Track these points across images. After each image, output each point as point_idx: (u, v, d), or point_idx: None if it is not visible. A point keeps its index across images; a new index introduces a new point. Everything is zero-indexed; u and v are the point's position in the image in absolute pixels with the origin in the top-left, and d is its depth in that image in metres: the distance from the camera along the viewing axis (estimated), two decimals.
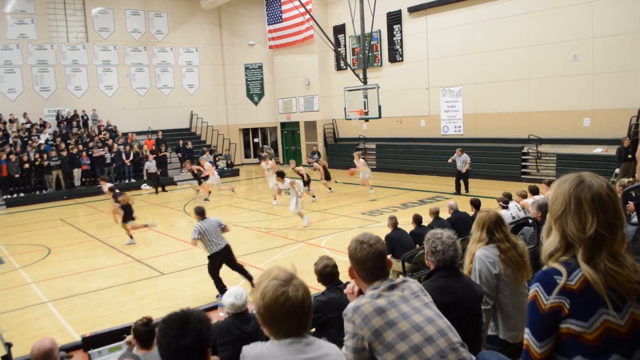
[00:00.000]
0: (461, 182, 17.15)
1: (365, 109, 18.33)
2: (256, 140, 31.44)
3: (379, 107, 17.90)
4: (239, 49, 29.97)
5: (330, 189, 19.22)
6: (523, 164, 19.27)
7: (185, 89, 29.05)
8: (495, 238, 3.73)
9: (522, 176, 18.74)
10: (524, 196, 9.44)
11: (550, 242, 1.91)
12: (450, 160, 17.43)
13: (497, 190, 13.92)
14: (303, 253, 11.07)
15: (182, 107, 28.59)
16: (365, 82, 18.88)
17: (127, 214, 12.91)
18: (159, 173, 22.34)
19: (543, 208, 6.16)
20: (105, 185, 14.54)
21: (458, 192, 16.90)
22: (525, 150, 19.25)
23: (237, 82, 30.26)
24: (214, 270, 8.49)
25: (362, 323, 2.38)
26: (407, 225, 9.07)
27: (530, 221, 6.89)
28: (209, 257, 8.51)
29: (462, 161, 16.89)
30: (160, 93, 28.18)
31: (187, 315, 2.09)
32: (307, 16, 21.37)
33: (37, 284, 10.23)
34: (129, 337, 4.38)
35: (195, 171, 20.35)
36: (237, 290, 4.51)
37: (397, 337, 2.37)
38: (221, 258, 8.51)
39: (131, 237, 13.01)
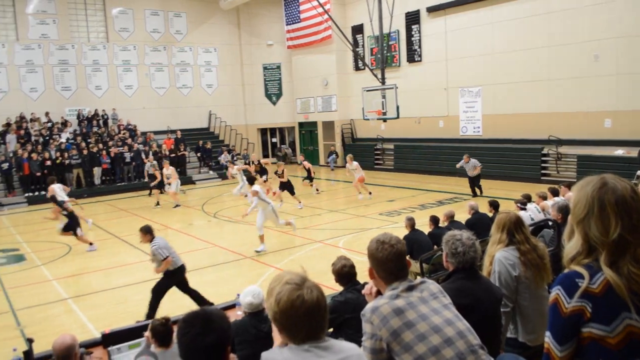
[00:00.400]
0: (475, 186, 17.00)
1: (383, 109, 18.28)
2: (274, 140, 31.54)
3: (397, 108, 17.84)
4: (258, 49, 30.09)
5: (317, 190, 19.42)
6: (543, 165, 19.07)
7: (204, 89, 29.23)
8: (516, 240, 3.69)
9: (542, 178, 18.55)
10: (544, 198, 9.34)
11: (572, 245, 1.88)
12: (458, 166, 17.18)
13: (516, 191, 13.81)
14: (320, 253, 11.08)
15: (200, 106, 28.77)
16: (383, 82, 18.83)
17: (70, 223, 12.60)
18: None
19: (563, 210, 6.09)
20: (50, 190, 14.45)
21: (475, 195, 16.72)
22: (545, 151, 19.05)
23: (255, 82, 30.38)
24: (161, 292, 7.75)
25: (381, 324, 2.38)
26: (424, 227, 9.03)
27: (550, 223, 6.81)
28: (167, 275, 7.81)
29: (471, 167, 16.64)
30: (179, 93, 28.41)
31: (208, 314, 2.10)
32: (326, 16, 21.38)
33: (58, 281, 10.37)
34: (147, 335, 4.41)
35: (160, 178, 19.30)
36: (254, 289, 4.52)
37: (416, 338, 2.36)
38: (179, 277, 7.91)
39: (91, 243, 12.72)
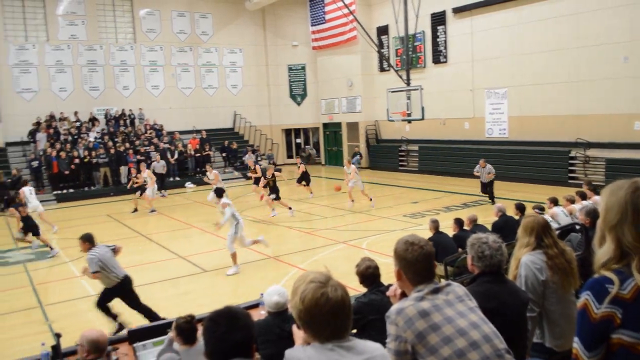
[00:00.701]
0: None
1: (408, 110, 18.19)
2: (298, 140, 31.62)
3: (422, 109, 17.74)
4: (283, 49, 30.20)
5: (311, 193, 19.00)
6: (570, 168, 18.77)
7: (229, 89, 29.46)
8: (544, 244, 3.64)
9: (570, 181, 18.25)
10: (572, 201, 9.20)
11: (603, 251, 1.85)
12: (475, 172, 16.52)
13: (542, 195, 13.62)
14: (344, 254, 11.07)
15: (225, 107, 28.99)
16: (408, 84, 18.74)
17: (27, 226, 12.66)
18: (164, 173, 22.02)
19: (592, 214, 5.99)
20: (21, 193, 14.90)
21: (493, 201, 16.00)
22: (572, 154, 18.75)
23: (280, 82, 30.51)
24: (104, 302, 7.45)
25: (406, 326, 2.37)
26: (448, 229, 8.96)
27: (577, 227, 6.71)
28: (109, 290, 7.42)
29: (486, 172, 16.00)
30: (204, 93, 28.67)
31: (234, 312, 2.13)
32: (351, 17, 21.36)
33: (85, 278, 10.52)
34: (171, 333, 4.46)
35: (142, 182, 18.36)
36: (279, 289, 4.54)
37: (441, 341, 2.34)
38: (121, 290, 7.45)
39: (51, 248, 12.74)
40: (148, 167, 19.54)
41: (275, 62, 30.36)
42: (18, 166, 21.80)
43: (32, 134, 23.47)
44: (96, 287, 9.78)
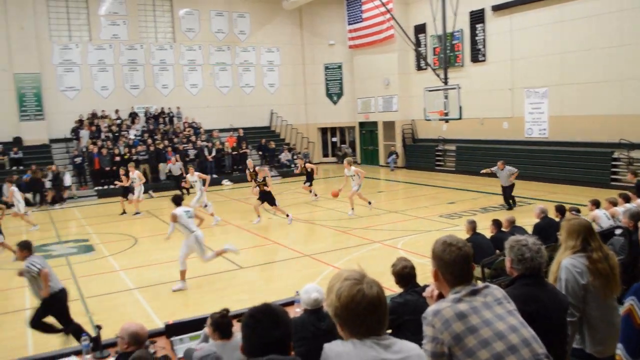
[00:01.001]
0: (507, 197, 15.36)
1: (445, 109, 18.01)
2: (334, 139, 31.63)
3: (460, 108, 17.54)
4: (319, 48, 30.26)
5: (315, 195, 18.31)
6: (613, 170, 18.26)
7: (266, 88, 29.68)
8: (590, 247, 3.55)
9: (612, 183, 17.75)
10: (614, 204, 8.96)
11: None
12: (487, 171, 15.73)
13: (583, 197, 13.31)
14: (379, 254, 11.03)
15: (262, 105, 29.22)
16: (446, 83, 18.55)
17: None
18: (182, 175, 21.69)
19: (635, 217, 5.83)
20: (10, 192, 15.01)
21: (509, 206, 15.03)
22: (615, 155, 18.24)
23: (316, 81, 30.57)
24: (40, 318, 6.94)
25: (443, 327, 2.35)
26: (485, 230, 8.84)
27: (620, 231, 6.53)
28: (44, 302, 6.88)
29: (505, 175, 14.87)
30: (242, 92, 28.97)
31: (274, 309, 2.15)
32: (388, 16, 21.27)
33: (125, 272, 10.79)
34: (207, 328, 4.51)
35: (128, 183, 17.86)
36: (317, 286, 4.56)
37: (479, 344, 2.32)
38: (59, 301, 7.01)
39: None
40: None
41: (312, 61, 30.44)
42: (61, 162, 22.47)
43: (75, 131, 24.12)
44: (136, 281, 10.03)
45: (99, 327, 5.22)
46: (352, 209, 15.21)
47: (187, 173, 17.73)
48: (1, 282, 10.60)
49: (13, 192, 15.25)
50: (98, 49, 25.56)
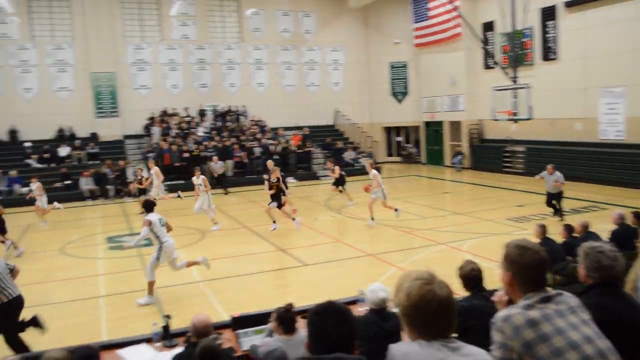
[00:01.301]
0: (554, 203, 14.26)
1: (514, 109, 17.51)
2: (399, 138, 31.37)
3: (530, 108, 17.00)
4: (385, 47, 30.06)
5: (351, 200, 17.18)
6: None
7: (330, 87, 29.82)
8: None
9: None
10: None
11: None
12: (537, 177, 14.86)
13: None
14: (443, 256, 10.87)
15: (327, 104, 29.38)
16: (515, 82, 18.04)
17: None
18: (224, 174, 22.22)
19: None
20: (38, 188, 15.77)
21: (558, 215, 13.94)
22: None
23: (381, 80, 30.41)
24: (5, 326, 6.56)
25: (513, 334, 2.29)
26: (555, 235, 8.53)
27: None
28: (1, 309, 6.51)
29: (553, 180, 13.87)
30: (307, 90, 29.24)
31: (340, 306, 2.17)
32: (455, 13, 20.89)
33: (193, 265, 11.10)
34: (271, 323, 4.58)
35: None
36: (382, 285, 4.55)
37: (550, 353, 2.24)
38: (16, 309, 6.66)
39: (16, 247, 12.78)
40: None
41: (377, 59, 30.30)
42: (134, 158, 23.42)
43: (147, 127, 25.09)
44: (202, 274, 10.32)
45: (168, 317, 5.43)
46: (372, 218, 13.99)
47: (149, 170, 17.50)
48: (78, 269, 11.15)
49: (39, 187, 16.45)
50: (169, 48, 26.48)
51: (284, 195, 14.59)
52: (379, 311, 4.47)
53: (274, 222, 13.76)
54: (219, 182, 21.61)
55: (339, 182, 17.43)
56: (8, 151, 23.18)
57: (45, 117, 24.13)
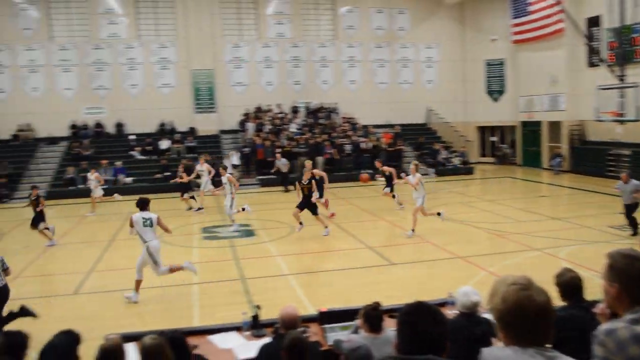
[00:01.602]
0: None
1: (620, 110, 16.47)
2: (493, 138, 30.34)
3: (638, 109, 15.90)
4: (481, 44, 29.18)
5: (400, 204, 16.16)
6: None
7: (423, 85, 29.39)
8: None
9: None
10: None
11: None
12: (616, 189, 12.78)
13: None
14: (538, 262, 10.40)
15: (419, 102, 28.97)
16: (622, 80, 16.95)
17: (38, 218, 13.23)
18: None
19: None
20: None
21: (634, 231, 12.27)
22: None
23: (476, 78, 29.55)
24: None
25: (616, 349, 2.15)
26: None
27: None
28: None
29: (629, 190, 12.17)
30: (399, 88, 29.00)
31: (432, 307, 2.14)
32: (557, 8, 19.89)
33: (281, 257, 11.38)
34: (358, 320, 4.58)
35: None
36: (473, 289, 4.45)
37: None
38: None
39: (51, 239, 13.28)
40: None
41: (472, 57, 29.48)
42: (228, 152, 24.27)
43: (242, 123, 25.91)
44: (290, 267, 10.53)
45: (258, 307, 5.58)
46: (413, 230, 12.79)
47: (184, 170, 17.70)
48: (174, 257, 11.72)
49: (95, 178, 17.65)
50: (264, 46, 27.22)
51: (321, 197, 14.24)
52: (469, 315, 4.37)
53: (326, 227, 13.10)
54: (283, 180, 21.84)
55: (389, 184, 16.40)
56: (115, 143, 24.84)
57: (148, 112, 25.62)
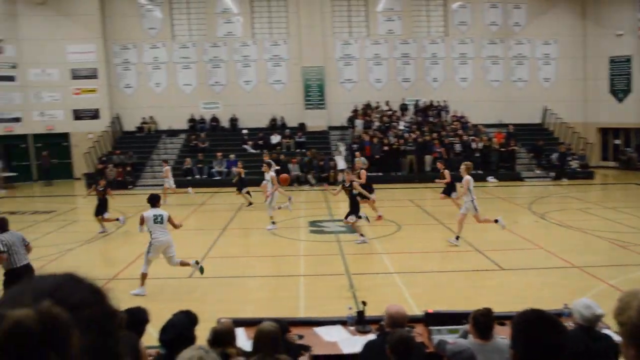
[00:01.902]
0: None
1: None
2: (617, 141, 28.16)
3: None
4: (604, 40, 27.18)
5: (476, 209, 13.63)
6: None
7: (539, 83, 27.99)
8: None
9: None
10: None
11: None
12: None
13: None
14: None
15: (534, 101, 27.59)
16: None
17: (101, 207, 13.90)
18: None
19: None
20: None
21: None
22: None
23: (598, 76, 27.61)
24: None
25: None
26: None
27: None
28: (5, 275, 7.38)
29: None
30: (513, 86, 27.85)
31: (551, 315, 2.06)
32: None
33: (387, 255, 11.35)
34: (467, 325, 4.48)
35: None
36: (594, 302, 4.20)
37: None
38: (19, 277, 7.00)
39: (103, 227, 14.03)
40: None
41: (595, 53, 27.55)
42: (336, 148, 24.58)
43: (350, 120, 26.13)
44: (396, 266, 10.47)
45: (364, 303, 5.63)
46: (457, 237, 11.90)
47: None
48: (281, 248, 12.08)
49: (169, 171, 19.01)
50: (374, 43, 27.25)
51: (368, 198, 13.79)
52: (588, 329, 4.12)
53: (362, 235, 12.38)
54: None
55: (450, 189, 15.23)
56: (228, 137, 26.01)
57: (260, 107, 26.55)
